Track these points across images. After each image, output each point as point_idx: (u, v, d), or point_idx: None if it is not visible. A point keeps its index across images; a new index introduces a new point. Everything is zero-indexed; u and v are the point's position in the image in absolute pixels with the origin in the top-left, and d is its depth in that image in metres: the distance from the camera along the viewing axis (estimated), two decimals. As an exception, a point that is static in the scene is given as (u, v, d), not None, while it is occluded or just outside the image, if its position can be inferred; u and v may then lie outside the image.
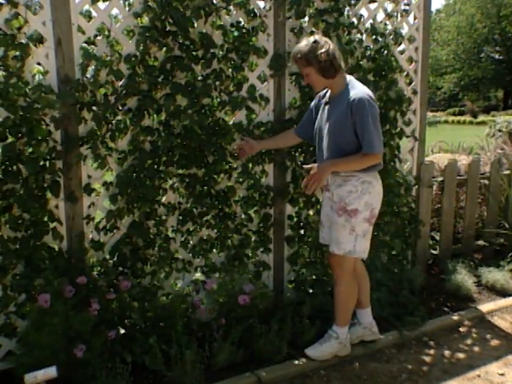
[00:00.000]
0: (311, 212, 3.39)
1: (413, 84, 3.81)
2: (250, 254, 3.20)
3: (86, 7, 2.57)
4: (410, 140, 3.84)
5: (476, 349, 3.04)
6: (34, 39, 2.40)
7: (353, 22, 3.36)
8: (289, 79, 3.19)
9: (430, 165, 3.96)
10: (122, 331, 2.62)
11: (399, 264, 3.73)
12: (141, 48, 2.62)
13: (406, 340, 3.08)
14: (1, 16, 2.33)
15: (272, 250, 3.28)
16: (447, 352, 2.98)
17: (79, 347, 2.33)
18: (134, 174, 2.71)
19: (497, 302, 3.67)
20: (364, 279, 2.94)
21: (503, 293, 3.81)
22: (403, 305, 3.31)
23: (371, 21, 3.47)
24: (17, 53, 2.35)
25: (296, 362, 2.75)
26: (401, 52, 3.71)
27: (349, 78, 2.69)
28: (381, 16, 3.56)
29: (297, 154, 3.27)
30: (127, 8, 2.68)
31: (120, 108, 2.65)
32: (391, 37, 3.56)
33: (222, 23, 2.90)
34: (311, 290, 3.29)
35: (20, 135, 2.38)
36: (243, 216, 3.14)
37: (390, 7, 3.58)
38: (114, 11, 2.65)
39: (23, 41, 2.37)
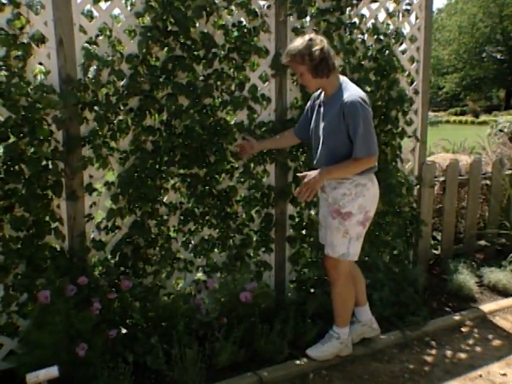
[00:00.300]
0: (312, 212, 3.39)
1: (415, 83, 3.80)
2: (251, 254, 3.20)
3: (88, 7, 2.58)
4: (412, 139, 3.84)
5: (478, 349, 3.04)
6: (36, 39, 2.41)
7: (354, 22, 3.36)
8: (290, 79, 3.19)
9: (431, 165, 3.95)
10: (123, 331, 2.62)
11: (400, 264, 3.73)
12: (143, 48, 2.62)
13: (407, 340, 3.08)
14: (4, 16, 2.33)
15: (274, 250, 3.28)
16: (448, 352, 2.98)
17: (81, 346, 2.33)
18: (136, 174, 2.71)
19: (499, 302, 3.67)
20: (358, 279, 2.93)
21: (504, 293, 3.80)
22: (405, 305, 3.31)
23: (373, 20, 3.47)
24: (19, 53, 2.36)
25: (298, 362, 2.75)
26: (403, 52, 3.71)
27: (342, 79, 2.67)
28: (382, 15, 3.57)
29: (299, 154, 3.27)
30: (128, 8, 2.69)
31: (122, 108, 2.65)
32: (393, 36, 3.56)
33: (223, 22, 2.90)
34: (312, 290, 3.29)
35: (21, 135, 2.39)
36: (244, 216, 3.14)
37: (391, 6, 3.58)
38: (116, 11, 2.66)
39: (25, 41, 2.38)
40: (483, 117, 27.92)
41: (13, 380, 2.40)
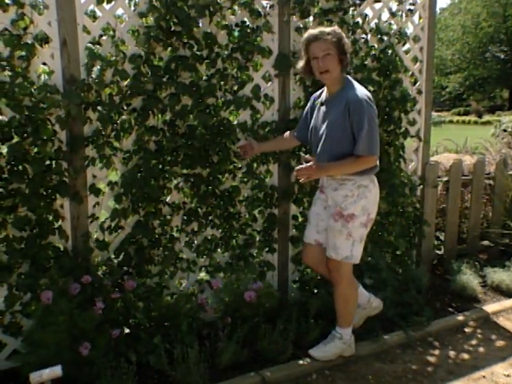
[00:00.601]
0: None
1: (418, 83, 3.80)
2: (254, 254, 3.20)
3: (91, 7, 2.58)
4: (415, 139, 3.83)
5: (481, 349, 3.03)
6: (39, 39, 2.42)
7: (358, 22, 3.36)
8: (293, 79, 3.19)
9: (435, 165, 3.95)
10: (127, 330, 2.62)
11: (403, 264, 3.72)
12: (146, 48, 2.63)
13: (411, 340, 3.07)
14: (8, 17, 2.34)
15: (277, 250, 3.28)
16: (452, 353, 2.98)
17: (84, 345, 2.34)
18: (139, 174, 2.72)
19: (503, 302, 3.66)
20: None
21: (508, 294, 3.79)
22: (408, 305, 3.30)
23: (376, 20, 3.47)
24: (23, 53, 2.37)
25: (301, 362, 2.75)
26: (406, 52, 3.70)
27: (348, 77, 2.67)
28: (385, 15, 3.56)
29: (302, 154, 3.26)
30: (132, 8, 2.69)
31: (125, 108, 2.66)
32: (396, 36, 3.55)
33: (226, 22, 2.90)
34: (315, 290, 3.29)
35: (25, 135, 2.39)
36: (247, 216, 3.14)
37: (394, 6, 3.57)
38: (119, 11, 2.66)
39: (29, 41, 2.39)
40: (486, 117, 27.87)
41: (16, 379, 2.41)
